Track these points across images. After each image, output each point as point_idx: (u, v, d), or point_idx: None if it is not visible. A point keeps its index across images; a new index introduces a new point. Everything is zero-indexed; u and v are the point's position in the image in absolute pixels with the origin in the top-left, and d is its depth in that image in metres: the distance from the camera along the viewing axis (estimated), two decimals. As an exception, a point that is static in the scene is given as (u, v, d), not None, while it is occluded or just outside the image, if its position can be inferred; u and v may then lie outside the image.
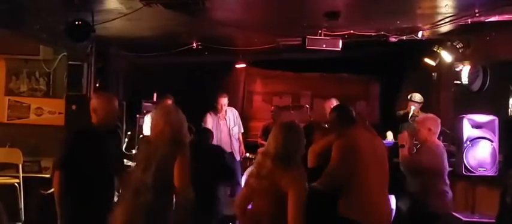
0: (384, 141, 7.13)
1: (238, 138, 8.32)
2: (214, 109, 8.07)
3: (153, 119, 3.99)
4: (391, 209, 4.73)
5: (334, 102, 7.48)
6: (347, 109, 4.57)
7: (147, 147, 3.99)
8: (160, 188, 3.78)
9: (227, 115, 8.13)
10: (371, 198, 4.11)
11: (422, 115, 6.20)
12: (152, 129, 3.95)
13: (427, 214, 4.90)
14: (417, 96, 7.48)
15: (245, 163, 8.26)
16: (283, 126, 3.71)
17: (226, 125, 8.10)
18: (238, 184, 8.16)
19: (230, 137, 8.12)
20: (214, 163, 5.37)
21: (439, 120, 5.25)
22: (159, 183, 3.78)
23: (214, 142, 7.97)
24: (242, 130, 8.49)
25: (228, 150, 8.07)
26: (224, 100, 8.01)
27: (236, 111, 8.39)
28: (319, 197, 4.33)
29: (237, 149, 8.24)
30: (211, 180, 5.30)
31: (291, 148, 3.56)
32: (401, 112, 7.65)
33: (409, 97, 7.51)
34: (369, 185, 4.11)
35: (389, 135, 7.37)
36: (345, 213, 4.09)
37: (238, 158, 8.22)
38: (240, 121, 8.38)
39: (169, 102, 7.44)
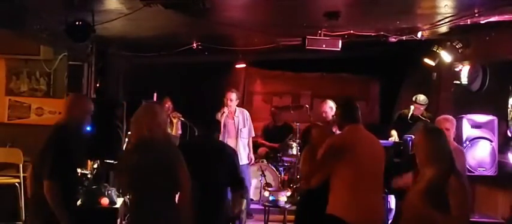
0: (387, 140, 7.15)
1: (248, 143, 7.74)
2: (223, 106, 7.52)
3: None
4: (384, 210, 4.68)
5: (329, 103, 7.47)
6: (351, 107, 4.43)
7: None
8: None
9: (236, 114, 7.59)
10: (359, 196, 4.08)
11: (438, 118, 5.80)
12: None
13: None
14: (421, 98, 7.38)
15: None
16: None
17: (233, 125, 7.55)
18: (247, 189, 8.01)
19: (237, 139, 7.55)
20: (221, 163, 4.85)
21: (450, 118, 5.26)
22: None
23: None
24: (253, 135, 7.92)
25: None
26: (231, 95, 7.47)
27: (248, 113, 7.80)
28: (313, 197, 4.39)
29: (243, 153, 7.55)
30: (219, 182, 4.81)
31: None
32: (406, 111, 7.57)
33: (413, 98, 7.42)
34: (358, 184, 4.07)
35: (394, 134, 7.30)
36: (330, 210, 4.11)
37: (242, 162, 7.39)
38: (251, 124, 7.78)
39: (167, 105, 7.41)
